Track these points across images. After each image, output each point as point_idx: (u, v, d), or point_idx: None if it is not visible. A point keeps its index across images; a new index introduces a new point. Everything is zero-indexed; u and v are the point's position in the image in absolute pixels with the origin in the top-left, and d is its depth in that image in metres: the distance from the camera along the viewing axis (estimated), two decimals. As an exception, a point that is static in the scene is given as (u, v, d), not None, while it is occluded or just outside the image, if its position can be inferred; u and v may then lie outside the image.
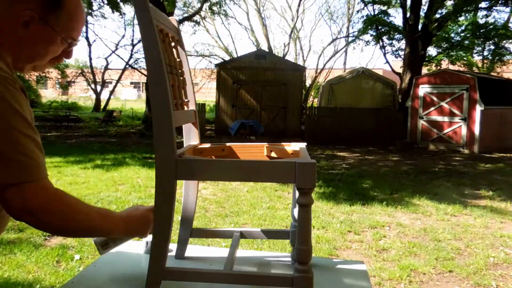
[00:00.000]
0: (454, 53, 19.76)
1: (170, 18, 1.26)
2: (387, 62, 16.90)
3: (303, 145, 1.28)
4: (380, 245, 3.91)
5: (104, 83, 26.93)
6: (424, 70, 18.03)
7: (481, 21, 16.69)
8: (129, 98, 34.72)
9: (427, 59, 17.59)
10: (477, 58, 22.07)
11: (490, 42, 17.51)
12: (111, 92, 26.93)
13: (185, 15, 20.58)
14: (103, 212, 1.02)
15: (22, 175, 0.82)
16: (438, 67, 19.94)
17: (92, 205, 1.01)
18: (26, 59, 0.97)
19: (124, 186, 5.97)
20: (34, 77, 24.31)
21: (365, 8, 16.60)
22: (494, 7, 15.13)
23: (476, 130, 10.94)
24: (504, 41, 17.24)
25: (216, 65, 16.12)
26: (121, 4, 15.69)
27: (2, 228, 1.04)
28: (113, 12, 17.22)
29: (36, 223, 0.85)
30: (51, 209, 0.86)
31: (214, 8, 20.94)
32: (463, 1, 13.26)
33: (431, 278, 3.21)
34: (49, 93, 32.71)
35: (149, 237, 1.33)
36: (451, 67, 19.73)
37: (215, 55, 27.22)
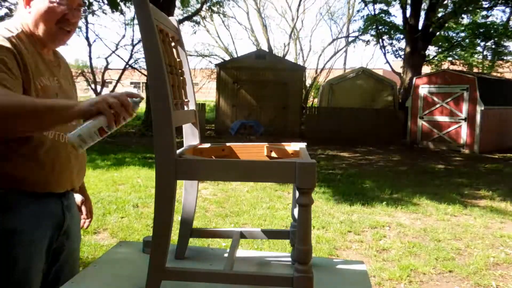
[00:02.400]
0: (455, 53, 19.75)
1: (170, 18, 1.26)
2: (387, 62, 16.90)
3: (303, 145, 1.28)
4: (380, 245, 3.91)
5: (104, 83, 26.87)
6: (425, 70, 18.02)
7: (482, 21, 16.68)
8: (129, 98, 34.65)
9: (427, 59, 17.58)
10: (477, 58, 22.05)
11: (490, 42, 17.50)
12: (111, 92, 26.89)
13: (185, 15, 20.56)
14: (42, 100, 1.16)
15: None
16: (439, 67, 19.93)
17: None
18: (40, 25, 1.27)
19: (124, 186, 5.97)
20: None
21: (366, 8, 16.61)
22: (494, 7, 15.13)
23: (476, 130, 10.94)
24: (504, 40, 17.22)
25: (216, 65, 16.10)
26: (121, 3, 15.66)
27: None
28: (112, 11, 17.20)
29: None
30: None
31: (214, 8, 20.92)
32: (463, 1, 13.26)
33: (431, 278, 3.21)
34: (49, 93, 32.67)
35: (149, 237, 1.33)
36: (452, 67, 19.73)
37: (215, 55, 27.20)
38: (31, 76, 1.21)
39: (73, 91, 1.47)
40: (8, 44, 1.18)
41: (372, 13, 16.33)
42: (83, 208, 1.60)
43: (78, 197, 1.60)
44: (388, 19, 16.28)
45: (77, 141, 1.04)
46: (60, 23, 1.28)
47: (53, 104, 1.11)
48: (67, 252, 1.41)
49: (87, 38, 24.95)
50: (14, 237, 1.20)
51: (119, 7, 15.78)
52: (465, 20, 16.96)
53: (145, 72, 17.67)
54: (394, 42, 17.31)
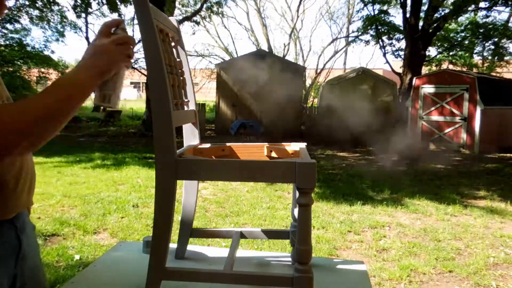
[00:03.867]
0: (454, 53, 19.76)
1: (170, 18, 1.26)
2: (387, 62, 16.90)
3: (303, 145, 1.28)
4: (380, 245, 3.91)
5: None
6: (425, 70, 18.03)
7: (481, 21, 16.69)
8: (129, 98, 34.69)
9: (427, 59, 17.59)
10: (477, 58, 22.08)
11: (490, 41, 17.52)
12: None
13: (185, 15, 20.56)
14: (55, 83, 0.93)
15: None
16: (438, 67, 19.94)
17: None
18: None
19: (124, 186, 5.97)
20: (34, 77, 24.30)
21: (365, 8, 16.62)
22: (494, 7, 15.12)
23: (476, 130, 10.94)
24: (504, 40, 17.22)
25: (216, 65, 16.11)
26: (120, 4, 15.68)
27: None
28: (111, 12, 17.21)
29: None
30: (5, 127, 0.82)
31: (214, 8, 20.92)
32: (462, 1, 13.27)
33: (431, 278, 3.21)
34: (49, 93, 32.61)
35: (149, 237, 1.33)
36: (451, 67, 19.74)
37: (215, 55, 27.21)
38: None
39: None
40: None
41: (372, 13, 16.34)
42: None
43: None
44: (387, 19, 16.30)
45: (109, 105, 1.00)
46: None
47: (72, 91, 0.91)
48: (27, 273, 1.19)
49: (87, 38, 24.95)
50: None
51: (118, 9, 15.80)
52: (464, 19, 16.97)
53: (145, 72, 17.66)
54: (394, 42, 17.34)
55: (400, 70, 15.75)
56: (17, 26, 19.82)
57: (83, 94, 0.91)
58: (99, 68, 0.93)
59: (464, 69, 19.15)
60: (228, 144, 1.32)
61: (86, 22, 24.03)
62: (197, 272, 1.00)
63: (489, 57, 20.55)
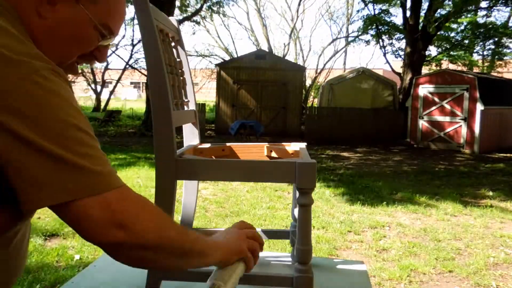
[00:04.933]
0: (455, 53, 19.77)
1: (170, 18, 1.26)
2: (387, 62, 16.91)
3: (303, 145, 1.28)
4: (380, 245, 3.91)
5: (104, 83, 26.89)
6: (425, 70, 18.04)
7: (481, 21, 16.71)
8: (129, 98, 34.71)
9: (427, 59, 17.59)
10: (477, 58, 22.08)
11: (490, 41, 17.52)
12: (111, 92, 26.89)
13: (185, 15, 20.56)
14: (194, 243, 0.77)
15: (104, 182, 0.64)
16: (438, 67, 19.94)
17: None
18: (50, 50, 0.68)
19: (124, 186, 5.97)
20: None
21: (366, 8, 16.62)
22: (494, 7, 15.13)
23: (476, 130, 10.94)
24: (504, 40, 17.22)
25: (216, 65, 16.11)
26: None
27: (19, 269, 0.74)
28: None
29: (130, 239, 0.63)
30: (144, 216, 0.67)
31: (214, 8, 20.93)
32: (462, 1, 13.28)
33: (431, 278, 3.21)
34: (49, 93, 32.61)
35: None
36: (451, 66, 19.74)
37: (215, 55, 27.23)
38: None
39: None
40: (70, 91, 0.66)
41: (372, 13, 16.35)
42: None
43: None
44: (388, 19, 16.32)
45: None
46: (84, 58, 0.78)
47: (203, 248, 0.77)
48: None
49: (87, 38, 24.94)
50: None
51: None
52: (464, 17, 16.96)
53: (145, 72, 17.64)
54: (394, 42, 17.35)
55: (400, 70, 15.76)
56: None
57: (197, 263, 0.78)
58: (236, 252, 0.83)
59: (464, 69, 19.16)
60: (228, 144, 1.32)
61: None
62: (197, 272, 1.00)
63: (489, 57, 20.56)
